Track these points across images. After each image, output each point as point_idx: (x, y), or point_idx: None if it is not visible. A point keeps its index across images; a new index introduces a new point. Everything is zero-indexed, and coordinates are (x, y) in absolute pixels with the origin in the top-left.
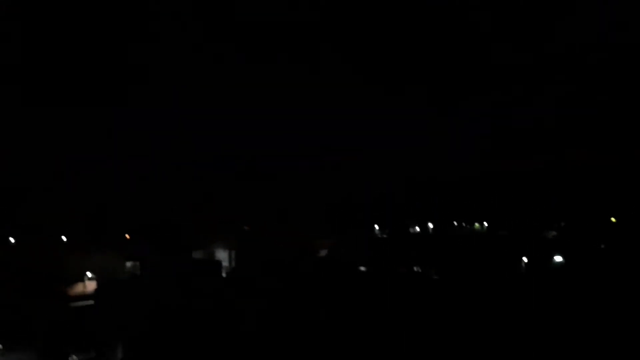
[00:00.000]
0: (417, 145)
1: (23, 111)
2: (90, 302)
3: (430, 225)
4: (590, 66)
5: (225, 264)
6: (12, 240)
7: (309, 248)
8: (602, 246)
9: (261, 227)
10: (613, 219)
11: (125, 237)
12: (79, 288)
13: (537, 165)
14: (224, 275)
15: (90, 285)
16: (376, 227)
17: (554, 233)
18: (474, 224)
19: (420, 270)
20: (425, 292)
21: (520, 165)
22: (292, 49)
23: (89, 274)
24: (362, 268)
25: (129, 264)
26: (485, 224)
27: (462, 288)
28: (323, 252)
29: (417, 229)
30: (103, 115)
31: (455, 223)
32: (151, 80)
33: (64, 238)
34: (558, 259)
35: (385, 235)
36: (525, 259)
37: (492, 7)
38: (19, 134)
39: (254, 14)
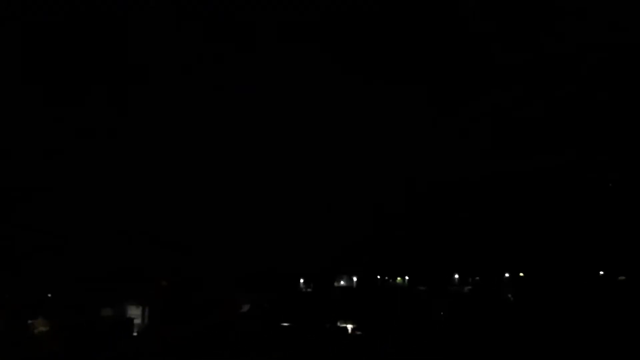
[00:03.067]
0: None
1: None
2: None
3: (355, 278)
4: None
5: (137, 321)
6: None
7: (231, 303)
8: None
9: (180, 281)
10: (521, 274)
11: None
12: None
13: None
14: (135, 333)
15: None
16: (301, 280)
17: (469, 287)
18: (396, 278)
19: (344, 326)
20: (348, 347)
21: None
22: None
23: None
24: (286, 324)
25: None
26: (407, 277)
27: (383, 343)
28: (246, 307)
29: (342, 282)
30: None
31: (378, 277)
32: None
33: None
34: (471, 312)
35: (309, 290)
36: (442, 313)
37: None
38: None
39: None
